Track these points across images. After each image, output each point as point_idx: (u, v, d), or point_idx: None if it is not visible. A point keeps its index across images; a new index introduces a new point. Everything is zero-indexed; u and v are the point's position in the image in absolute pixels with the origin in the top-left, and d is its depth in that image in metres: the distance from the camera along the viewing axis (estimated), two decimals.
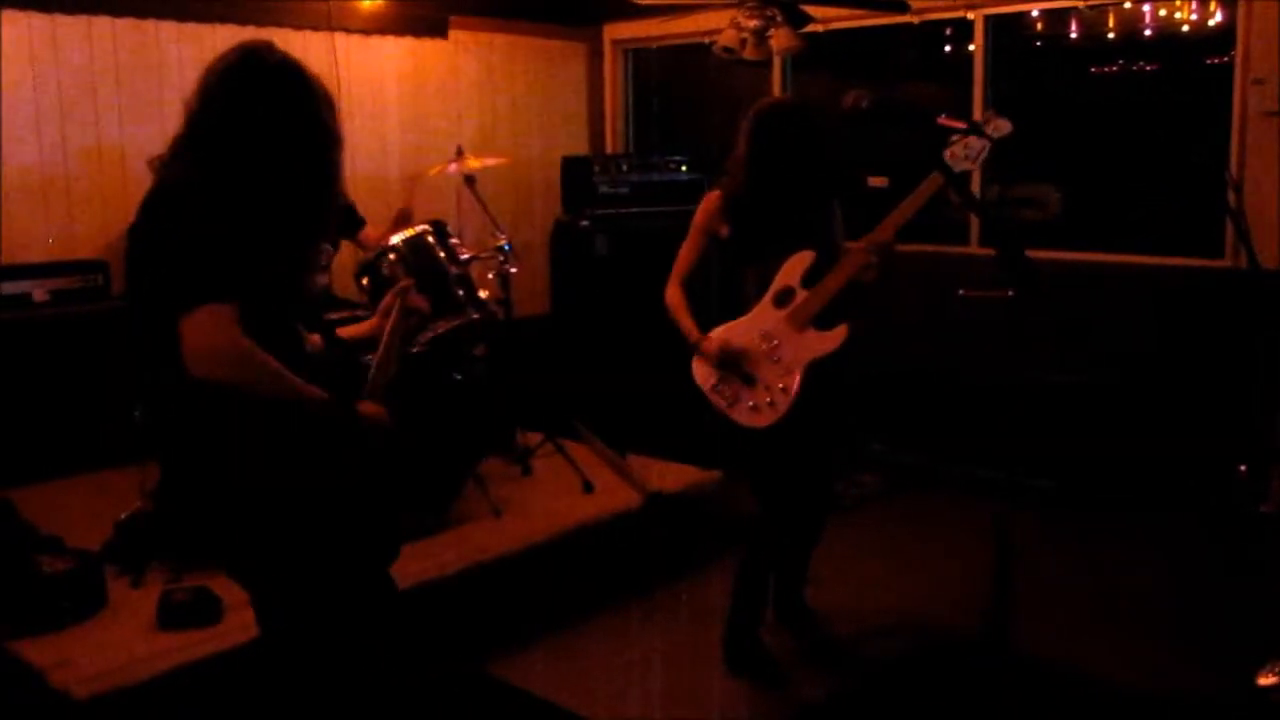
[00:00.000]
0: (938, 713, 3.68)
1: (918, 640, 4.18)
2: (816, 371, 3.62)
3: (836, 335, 3.63)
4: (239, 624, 3.55)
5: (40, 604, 3.54)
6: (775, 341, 3.64)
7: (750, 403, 3.65)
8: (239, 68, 2.46)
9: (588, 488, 4.89)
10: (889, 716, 3.76)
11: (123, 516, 4.11)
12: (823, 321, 3.63)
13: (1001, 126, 3.35)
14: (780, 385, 3.62)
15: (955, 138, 3.37)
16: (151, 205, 2.43)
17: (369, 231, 5.23)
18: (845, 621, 4.22)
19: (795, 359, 3.62)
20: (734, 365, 3.65)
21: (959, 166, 3.41)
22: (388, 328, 2.78)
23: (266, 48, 2.51)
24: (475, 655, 3.90)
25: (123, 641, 3.47)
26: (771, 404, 3.62)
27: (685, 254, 3.86)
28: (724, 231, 3.78)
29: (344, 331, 2.90)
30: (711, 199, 3.83)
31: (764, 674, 3.86)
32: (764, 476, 3.83)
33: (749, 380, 3.65)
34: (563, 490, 4.89)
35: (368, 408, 2.58)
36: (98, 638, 3.51)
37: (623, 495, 4.85)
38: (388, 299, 2.84)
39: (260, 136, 2.41)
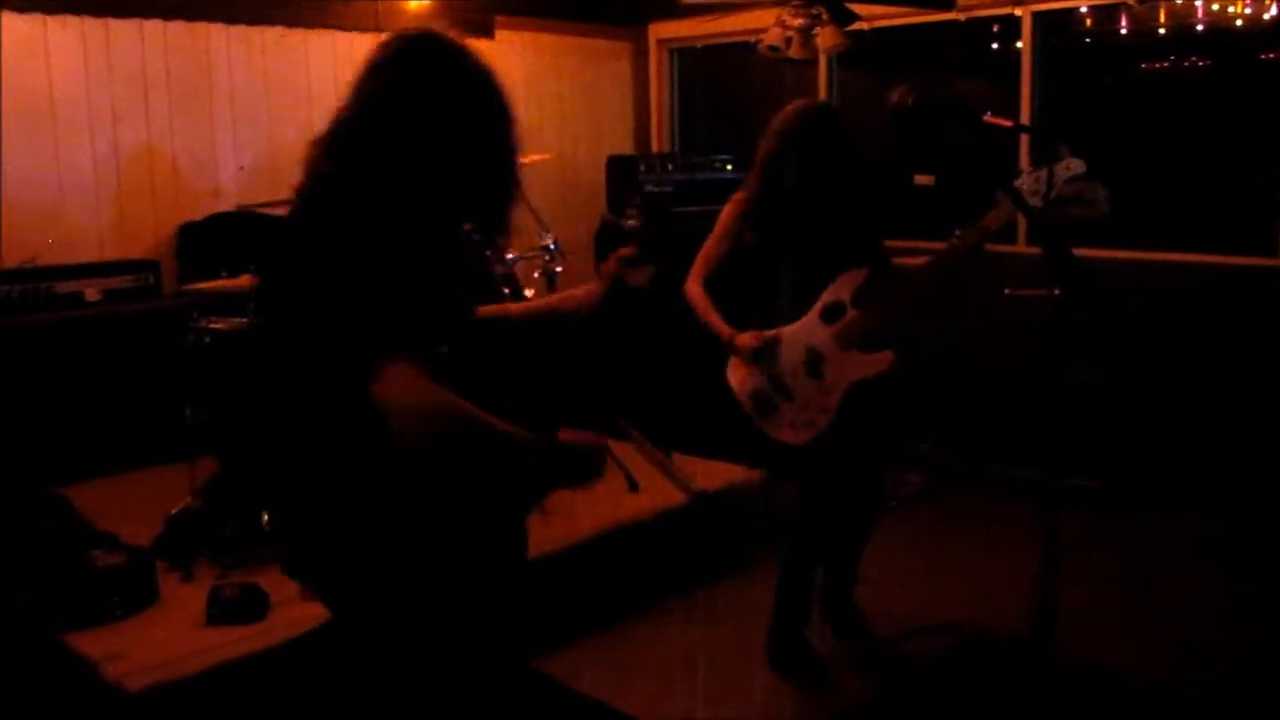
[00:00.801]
0: (981, 714, 3.65)
1: (961, 641, 4.15)
2: (858, 389, 3.55)
3: (882, 359, 3.52)
4: (286, 620, 3.60)
5: (94, 598, 3.59)
6: (819, 358, 3.55)
7: (788, 419, 3.56)
8: (408, 60, 2.14)
9: (633, 486, 4.87)
10: (932, 718, 3.74)
11: (173, 512, 4.16)
12: (869, 342, 3.54)
13: (1074, 166, 3.26)
14: (820, 404, 3.53)
15: (1027, 169, 3.30)
16: (302, 226, 2.12)
17: None
18: (889, 621, 4.20)
19: (839, 378, 3.52)
20: (770, 361, 3.57)
21: (1031, 202, 3.32)
22: (594, 302, 2.54)
23: (437, 36, 2.18)
24: (521, 652, 3.91)
25: (173, 636, 3.51)
26: (810, 423, 3.53)
27: (710, 252, 3.74)
28: (748, 237, 3.70)
29: (541, 300, 2.68)
30: (737, 200, 3.74)
31: (808, 674, 3.84)
32: (805, 482, 3.79)
33: (787, 395, 3.57)
34: (607, 489, 4.86)
35: (570, 435, 2.33)
36: (149, 632, 3.55)
37: (667, 494, 4.84)
38: (607, 265, 2.59)
39: (437, 143, 2.09)
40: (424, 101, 2.08)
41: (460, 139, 2.10)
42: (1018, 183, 3.25)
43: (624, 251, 2.56)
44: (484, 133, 2.15)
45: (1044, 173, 3.24)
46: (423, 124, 2.07)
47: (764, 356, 3.57)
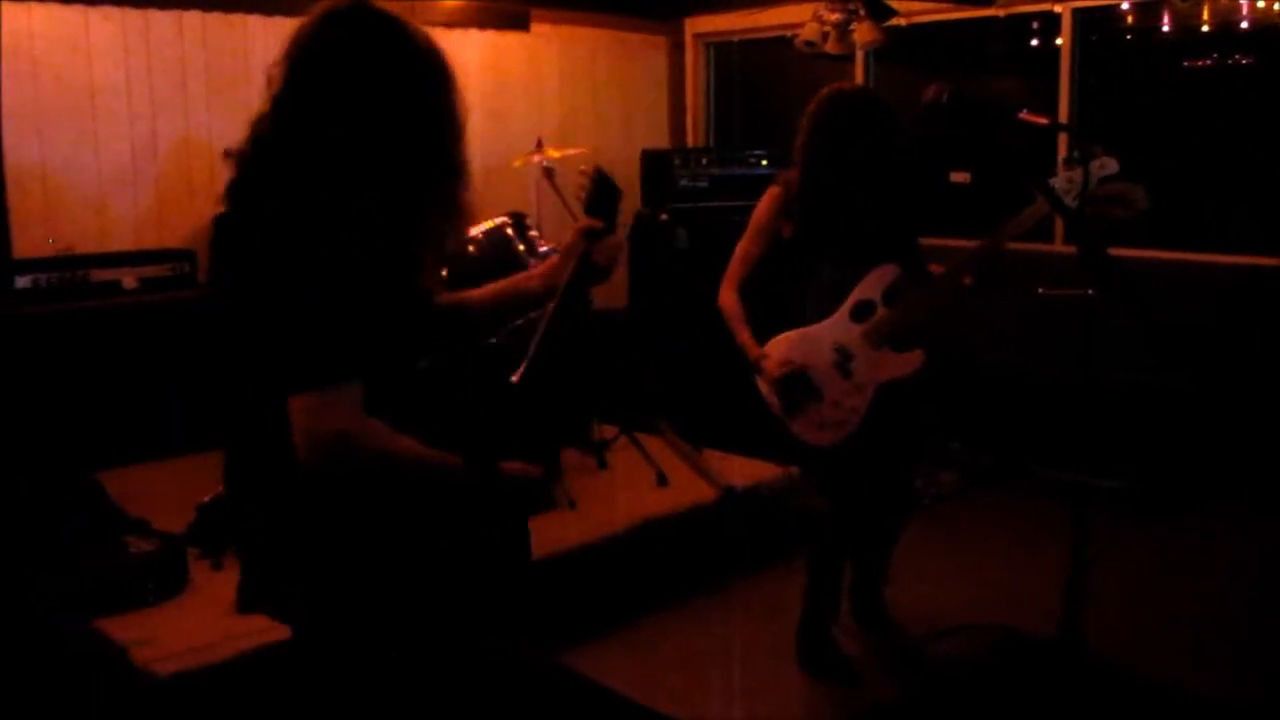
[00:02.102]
0: (1011, 715, 3.62)
1: (992, 641, 4.12)
2: (889, 389, 3.50)
3: (913, 359, 3.48)
4: None
5: (126, 583, 3.62)
6: (848, 357, 3.50)
7: (816, 419, 3.52)
8: (335, 30, 2.00)
9: (662, 481, 4.89)
10: (962, 718, 3.71)
11: (205, 500, 4.19)
12: (900, 341, 3.51)
13: (1108, 165, 3.23)
14: (850, 404, 3.48)
15: (1062, 168, 3.26)
16: (238, 213, 2.02)
17: None
18: (919, 621, 4.17)
19: (868, 378, 3.48)
20: (797, 388, 3.52)
21: (1064, 198, 3.28)
22: (562, 281, 2.24)
23: (364, 5, 2.02)
24: (549, 647, 3.91)
25: (203, 622, 3.53)
26: (840, 423, 3.48)
27: (743, 253, 3.68)
28: (786, 231, 3.65)
29: (504, 283, 2.40)
30: (773, 194, 3.67)
31: (836, 673, 3.82)
32: (833, 481, 3.76)
33: (816, 395, 3.53)
34: (637, 483, 4.90)
35: (513, 467, 2.16)
36: (179, 618, 3.58)
37: (697, 489, 4.84)
38: (570, 239, 2.28)
39: (373, 120, 1.97)
40: (359, 74, 1.97)
41: (399, 112, 1.99)
42: (1053, 181, 3.22)
43: (588, 223, 2.25)
44: (424, 106, 2.04)
45: (1078, 172, 3.20)
46: (359, 98, 1.96)
47: (788, 385, 3.52)
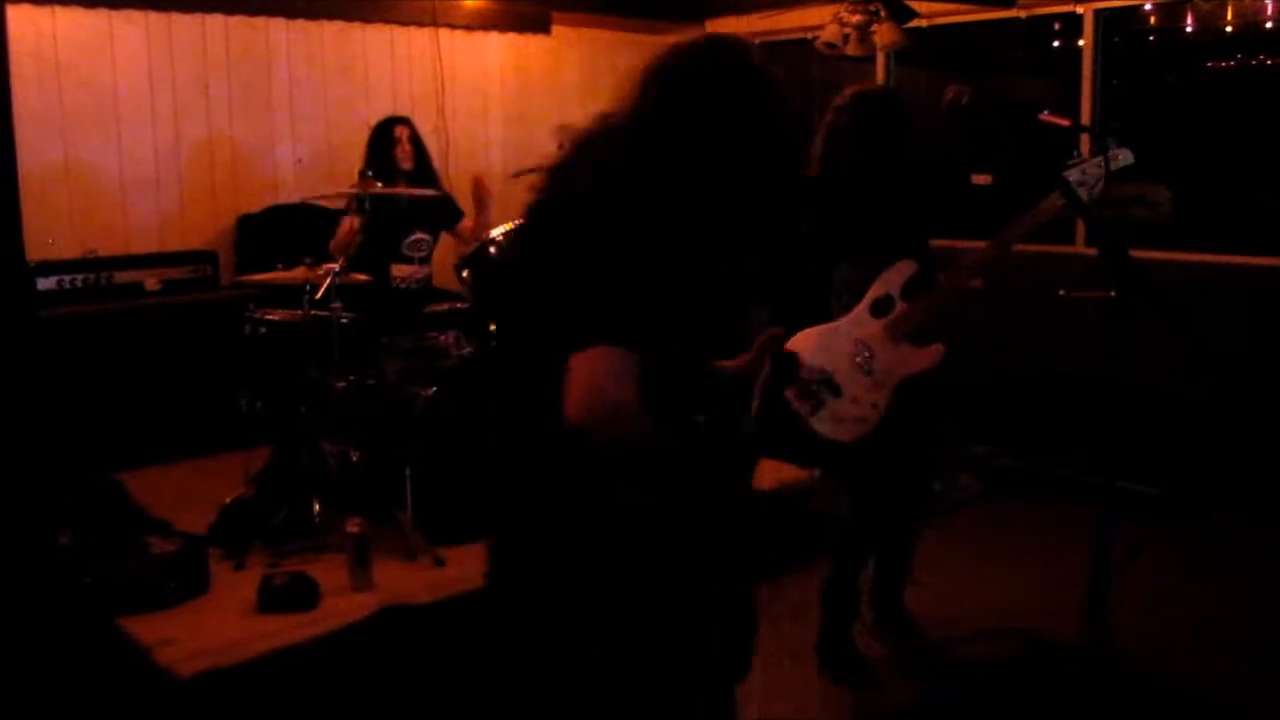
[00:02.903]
0: None
1: (1013, 647, 4.09)
2: (909, 385, 3.48)
3: (933, 353, 3.45)
4: (336, 609, 3.64)
5: (148, 583, 3.65)
6: (869, 353, 3.46)
7: (836, 415, 3.48)
8: (696, 67, 2.08)
9: None
10: None
11: (227, 501, 4.21)
12: (919, 336, 3.48)
13: (1121, 157, 3.20)
14: (870, 400, 3.44)
15: (1076, 161, 3.24)
16: (549, 224, 2.09)
17: (466, 224, 5.26)
18: (941, 625, 4.15)
19: (889, 373, 3.45)
20: (817, 385, 3.45)
21: (1079, 190, 3.26)
22: (757, 387, 2.25)
23: (734, 45, 2.12)
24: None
25: (224, 623, 3.56)
26: (860, 419, 3.43)
27: None
28: (805, 230, 3.62)
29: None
30: None
31: (856, 675, 3.80)
32: (854, 479, 3.74)
33: (835, 391, 3.49)
34: None
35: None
36: (201, 618, 3.60)
37: None
38: (755, 348, 2.25)
39: (709, 151, 2.02)
40: (711, 112, 2.02)
41: (742, 153, 2.04)
42: (1068, 173, 3.19)
43: (775, 332, 2.26)
44: (764, 149, 2.09)
45: (1093, 163, 3.18)
46: (707, 134, 2.01)
47: (809, 382, 3.50)
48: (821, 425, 3.50)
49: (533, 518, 2.05)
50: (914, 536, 4.01)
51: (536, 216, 2.12)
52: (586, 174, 2.04)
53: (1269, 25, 5.85)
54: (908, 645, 4.04)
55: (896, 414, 3.47)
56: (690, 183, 1.98)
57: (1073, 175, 3.21)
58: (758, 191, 2.08)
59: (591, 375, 1.81)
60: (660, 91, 2.05)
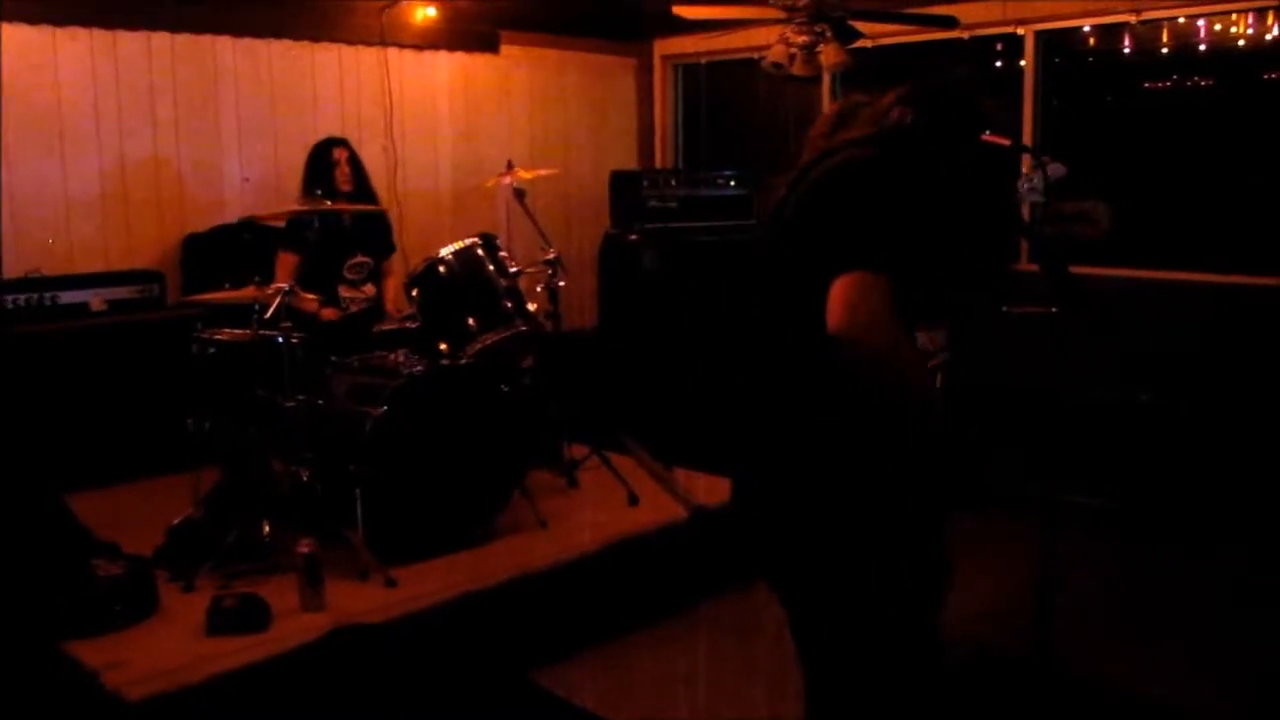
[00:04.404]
0: None
1: (959, 657, 4.14)
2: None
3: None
4: (287, 630, 3.62)
5: (95, 607, 3.60)
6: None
7: None
8: (953, 98, 2.50)
9: (633, 500, 4.91)
10: None
11: (175, 522, 4.18)
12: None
13: (1057, 170, 3.28)
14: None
15: (1022, 176, 3.31)
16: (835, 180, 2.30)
17: (391, 283, 5.28)
18: None
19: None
20: None
21: (1027, 199, 3.34)
22: None
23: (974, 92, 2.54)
24: (521, 665, 3.92)
25: (173, 645, 3.52)
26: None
27: None
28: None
29: None
30: None
31: None
32: None
33: None
34: (608, 503, 4.91)
35: None
36: (149, 641, 3.56)
37: (668, 508, 4.85)
38: None
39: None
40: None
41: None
42: (1020, 183, 3.27)
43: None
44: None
45: (1036, 175, 3.26)
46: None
47: None
48: None
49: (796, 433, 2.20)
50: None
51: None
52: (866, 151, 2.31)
53: (1202, 48, 6.00)
54: None
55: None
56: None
57: (1024, 185, 3.29)
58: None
59: (852, 292, 2.02)
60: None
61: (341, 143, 5.12)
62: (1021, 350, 4.04)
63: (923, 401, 2.13)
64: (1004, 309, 3.98)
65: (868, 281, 2.03)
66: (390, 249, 5.32)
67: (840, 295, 2.03)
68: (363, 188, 5.12)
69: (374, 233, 5.19)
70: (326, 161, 5.02)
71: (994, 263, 2.60)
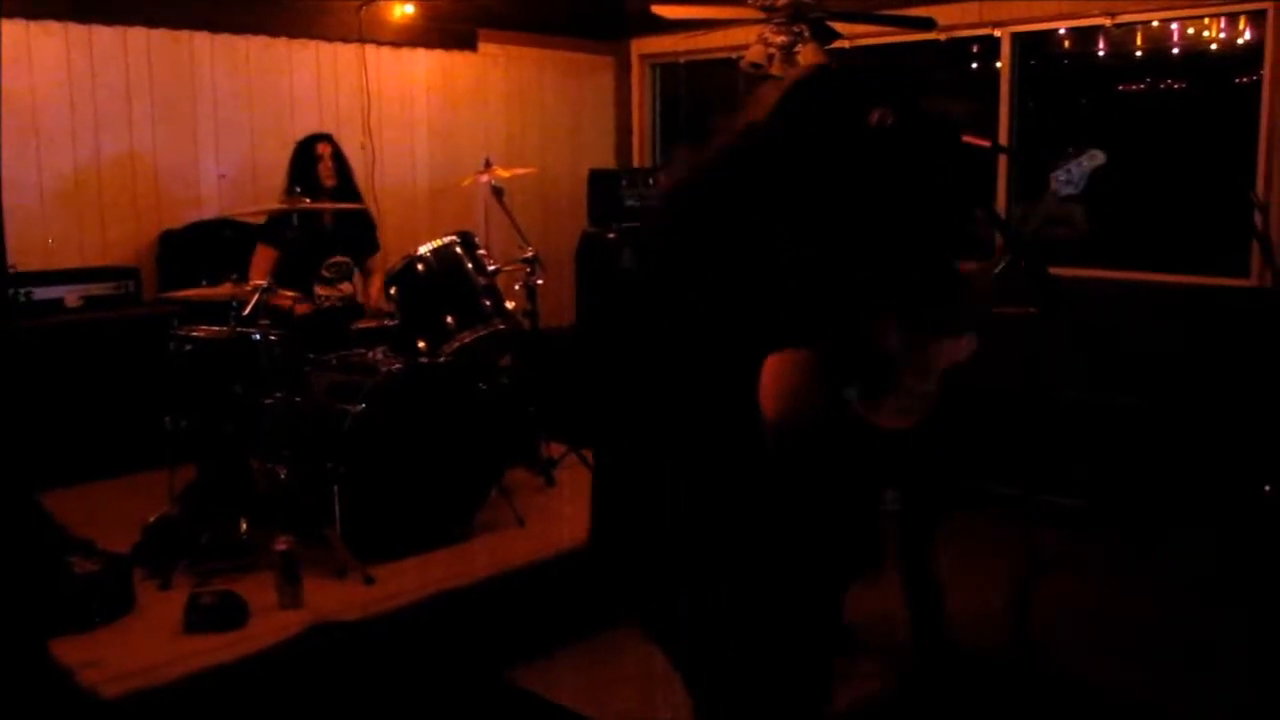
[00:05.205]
0: None
1: (940, 656, 4.16)
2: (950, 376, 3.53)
3: (969, 344, 3.54)
4: (264, 628, 3.61)
5: (71, 605, 3.58)
6: (905, 345, 3.51)
7: (893, 406, 3.53)
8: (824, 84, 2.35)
9: None
10: None
11: (151, 520, 4.16)
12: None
13: (1099, 157, 3.29)
14: (921, 390, 3.49)
15: (1061, 162, 3.31)
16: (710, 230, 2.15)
17: (375, 284, 5.25)
18: (868, 635, 4.21)
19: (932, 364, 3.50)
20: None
21: (1064, 191, 3.32)
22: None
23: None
24: (499, 663, 3.92)
25: (150, 643, 3.51)
26: (910, 410, 3.49)
27: None
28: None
29: None
30: None
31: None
32: (905, 474, 3.81)
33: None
34: (586, 500, 4.89)
35: None
36: (126, 639, 3.55)
37: None
38: None
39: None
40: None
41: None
42: (1052, 174, 3.27)
43: None
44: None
45: (1075, 164, 3.27)
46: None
47: None
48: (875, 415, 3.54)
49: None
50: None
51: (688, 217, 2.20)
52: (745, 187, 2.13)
53: (1175, 51, 6.06)
54: (841, 654, 4.08)
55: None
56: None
57: (1059, 176, 3.30)
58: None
59: (788, 376, 1.89)
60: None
61: (325, 138, 5.11)
62: (1001, 351, 4.06)
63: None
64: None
65: (798, 362, 1.90)
66: (374, 247, 5.31)
67: (771, 380, 1.90)
68: (346, 184, 5.12)
69: (356, 232, 5.18)
70: (310, 157, 5.02)
71: (944, 266, 2.54)
